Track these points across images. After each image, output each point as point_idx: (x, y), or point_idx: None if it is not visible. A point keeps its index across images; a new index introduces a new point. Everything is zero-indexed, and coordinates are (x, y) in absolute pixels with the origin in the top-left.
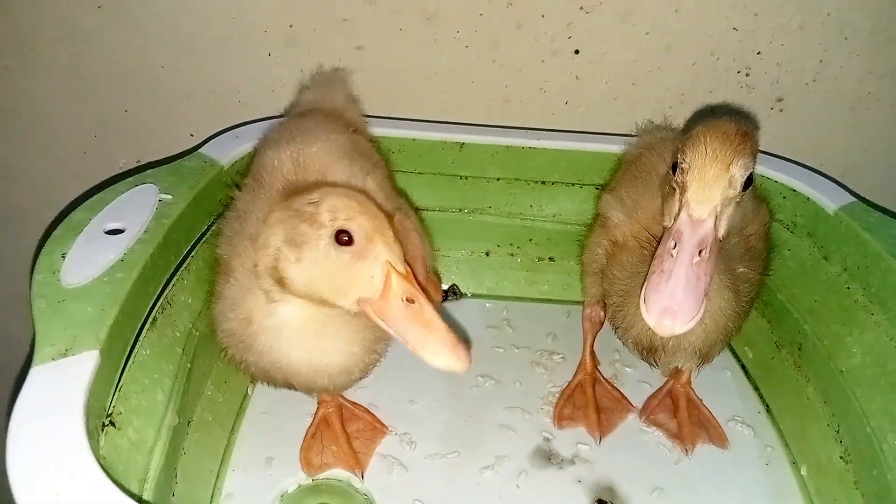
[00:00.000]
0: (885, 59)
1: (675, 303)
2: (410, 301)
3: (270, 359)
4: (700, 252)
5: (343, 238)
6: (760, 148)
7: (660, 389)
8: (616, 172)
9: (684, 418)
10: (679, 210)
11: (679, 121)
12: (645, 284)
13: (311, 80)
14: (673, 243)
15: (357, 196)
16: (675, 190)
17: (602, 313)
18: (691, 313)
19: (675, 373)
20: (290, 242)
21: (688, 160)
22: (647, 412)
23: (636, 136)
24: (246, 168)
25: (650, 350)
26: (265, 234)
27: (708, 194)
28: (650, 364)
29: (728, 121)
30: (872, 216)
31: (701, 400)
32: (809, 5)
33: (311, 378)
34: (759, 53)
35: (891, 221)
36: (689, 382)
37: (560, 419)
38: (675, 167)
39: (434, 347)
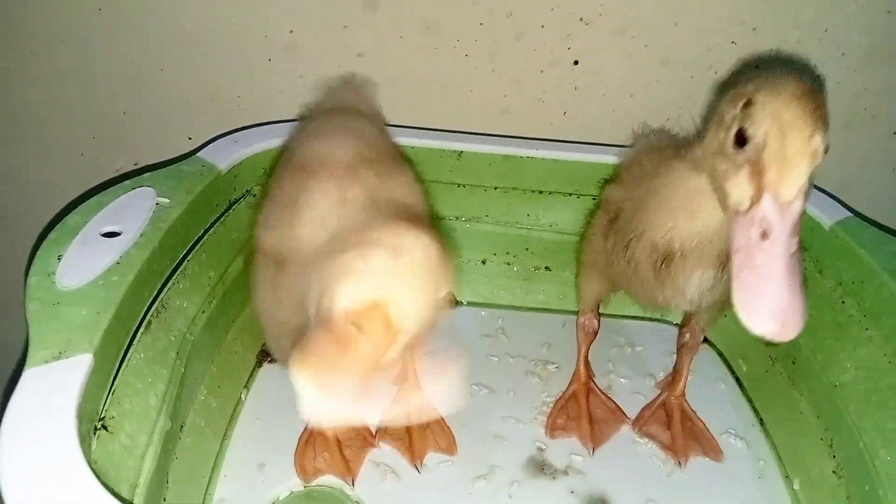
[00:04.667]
0: (882, 77)
1: (783, 305)
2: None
3: None
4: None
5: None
6: None
7: (653, 401)
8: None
9: (678, 430)
10: (759, 192)
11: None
12: (735, 285)
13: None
14: (758, 232)
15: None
16: (741, 168)
17: (596, 322)
18: (802, 314)
19: (669, 384)
20: None
21: (762, 131)
22: (640, 423)
23: (631, 144)
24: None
25: (665, 259)
26: None
27: (795, 171)
28: (655, 300)
29: (793, 78)
30: (868, 231)
31: (695, 412)
32: (807, 21)
33: None
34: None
35: (886, 237)
36: (682, 395)
37: (553, 429)
38: (740, 140)
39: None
